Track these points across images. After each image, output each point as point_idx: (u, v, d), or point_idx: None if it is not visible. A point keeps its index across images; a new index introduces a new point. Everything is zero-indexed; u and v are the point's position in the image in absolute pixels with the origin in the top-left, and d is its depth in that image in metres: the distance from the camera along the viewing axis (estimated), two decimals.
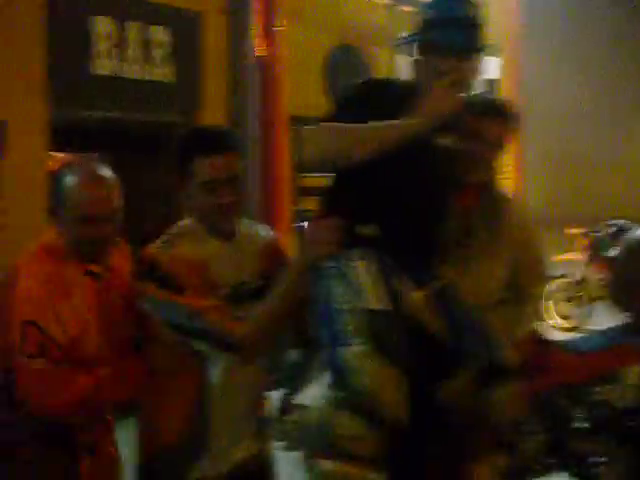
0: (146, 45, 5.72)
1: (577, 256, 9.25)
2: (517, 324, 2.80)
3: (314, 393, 2.51)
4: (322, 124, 2.22)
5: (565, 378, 3.28)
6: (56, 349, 2.10)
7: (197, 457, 2.17)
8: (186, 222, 2.30)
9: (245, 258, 2.26)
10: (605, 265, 8.71)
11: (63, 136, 5.28)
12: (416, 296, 2.20)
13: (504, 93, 10.21)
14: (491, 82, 10.01)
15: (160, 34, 5.80)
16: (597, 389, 3.34)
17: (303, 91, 7.05)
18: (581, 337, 4.40)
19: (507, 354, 2.33)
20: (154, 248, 2.20)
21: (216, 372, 2.17)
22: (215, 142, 2.21)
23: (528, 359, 2.69)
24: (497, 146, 2.67)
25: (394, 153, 2.11)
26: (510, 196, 3.05)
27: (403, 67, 8.50)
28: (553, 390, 3.25)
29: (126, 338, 2.31)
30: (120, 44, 5.53)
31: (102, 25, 5.44)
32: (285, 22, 6.75)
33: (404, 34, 2.53)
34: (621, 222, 9.12)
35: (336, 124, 2.18)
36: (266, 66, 6.60)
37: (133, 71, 5.67)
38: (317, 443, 2.05)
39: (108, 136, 5.75)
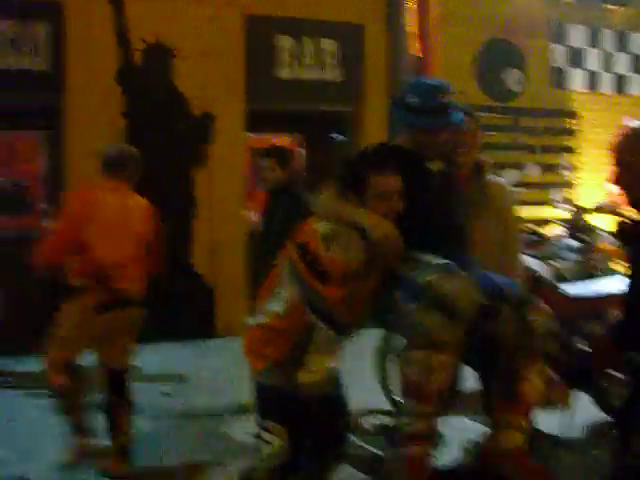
0: (318, 54, 7.43)
1: None
2: (510, 270, 3.53)
3: None
4: None
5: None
6: None
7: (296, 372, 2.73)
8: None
9: None
10: None
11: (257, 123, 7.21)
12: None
13: None
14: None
15: (329, 45, 7.48)
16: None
17: (455, 82, 8.31)
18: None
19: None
20: (316, 235, 2.67)
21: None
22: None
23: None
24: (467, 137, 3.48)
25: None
26: (494, 179, 3.79)
27: (558, 56, 9.44)
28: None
29: None
30: (298, 55, 7.32)
31: (284, 41, 7.27)
32: (437, 23, 8.00)
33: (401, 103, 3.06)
34: None
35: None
36: (421, 65, 7.99)
37: (308, 73, 7.42)
38: (412, 338, 2.64)
39: (291, 122, 7.63)
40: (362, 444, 4.11)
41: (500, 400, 2.73)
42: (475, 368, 3.05)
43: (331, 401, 2.93)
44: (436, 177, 3.00)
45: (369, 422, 4.75)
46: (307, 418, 2.84)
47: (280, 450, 2.76)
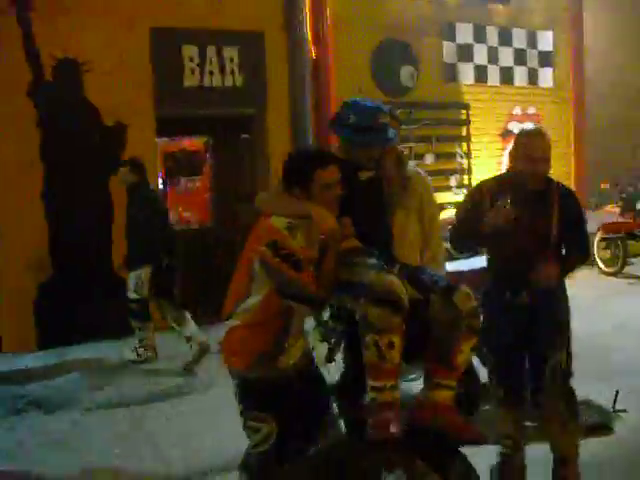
0: (222, 61, 7.89)
1: (613, 208, 10.41)
2: (432, 261, 3.83)
3: None
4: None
5: None
6: None
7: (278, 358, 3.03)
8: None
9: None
10: (635, 217, 9.85)
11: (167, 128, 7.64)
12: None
13: (559, 65, 11.30)
14: (547, 54, 11.08)
15: (232, 52, 7.95)
16: None
17: (353, 81, 8.84)
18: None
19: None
20: (281, 230, 2.92)
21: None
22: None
23: None
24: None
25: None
26: (415, 171, 4.01)
27: (448, 52, 10.15)
28: None
29: None
30: (202, 63, 7.76)
31: (189, 51, 7.71)
32: (332, 27, 8.55)
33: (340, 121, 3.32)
34: None
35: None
36: (319, 67, 8.55)
37: (213, 80, 7.88)
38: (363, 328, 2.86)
39: (198, 126, 8.11)
40: None
41: (434, 364, 3.02)
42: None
43: (310, 377, 3.20)
44: (366, 184, 3.31)
45: None
46: (291, 400, 3.06)
47: (269, 435, 2.99)
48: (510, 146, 4.02)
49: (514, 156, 3.65)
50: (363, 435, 2.88)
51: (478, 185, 3.86)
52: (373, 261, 3.01)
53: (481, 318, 3.12)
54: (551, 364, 3.58)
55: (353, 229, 3.09)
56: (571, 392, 3.67)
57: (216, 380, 5.88)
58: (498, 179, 3.81)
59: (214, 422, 5.00)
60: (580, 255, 3.73)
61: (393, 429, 2.81)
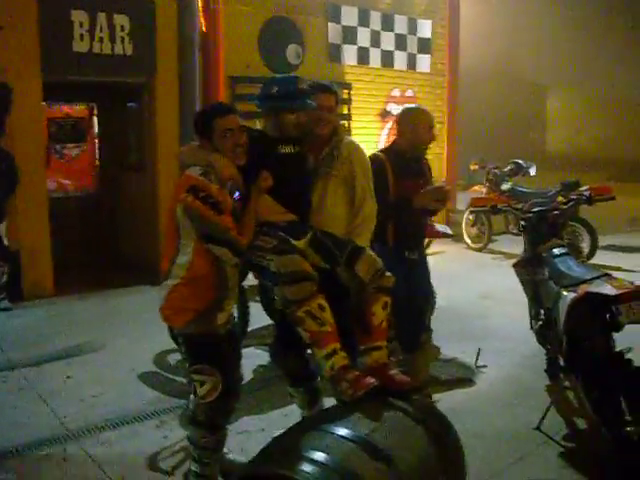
0: (112, 28, 7.87)
1: (481, 189, 11.15)
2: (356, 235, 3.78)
3: None
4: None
5: None
6: None
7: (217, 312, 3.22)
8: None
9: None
10: (500, 196, 10.58)
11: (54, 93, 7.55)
12: (298, 244, 3.27)
13: (436, 52, 11.87)
14: (425, 41, 11.62)
15: (122, 20, 7.92)
16: None
17: (241, 57, 9.12)
18: None
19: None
20: (196, 176, 3.08)
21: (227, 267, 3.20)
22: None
23: None
24: (329, 110, 3.80)
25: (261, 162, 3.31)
26: (349, 141, 3.98)
27: (333, 33, 10.47)
28: None
29: None
30: (92, 29, 7.71)
31: (78, 16, 7.63)
32: (223, 2, 8.65)
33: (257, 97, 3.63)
34: (519, 161, 11.02)
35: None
36: (208, 39, 8.67)
37: (102, 47, 7.82)
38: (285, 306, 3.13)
39: (86, 92, 8.05)
40: None
41: (360, 333, 3.25)
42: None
43: (233, 333, 3.45)
44: (288, 157, 3.53)
45: None
46: (230, 352, 3.31)
47: (214, 387, 3.17)
48: (389, 125, 4.73)
49: (401, 130, 4.28)
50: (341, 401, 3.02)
51: (376, 157, 4.25)
52: (274, 242, 3.20)
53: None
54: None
55: (270, 181, 3.30)
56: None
57: (110, 340, 6.11)
58: (386, 151, 4.39)
59: (107, 379, 5.23)
60: None
61: (370, 380, 2.96)
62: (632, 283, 3.58)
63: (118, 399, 4.87)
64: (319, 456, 2.44)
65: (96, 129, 9.73)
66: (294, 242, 3.24)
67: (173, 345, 5.43)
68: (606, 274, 3.84)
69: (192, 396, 3.38)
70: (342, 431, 2.59)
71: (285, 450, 2.57)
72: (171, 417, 4.56)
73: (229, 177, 3.16)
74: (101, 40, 7.78)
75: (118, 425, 4.46)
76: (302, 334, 3.09)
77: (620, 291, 3.45)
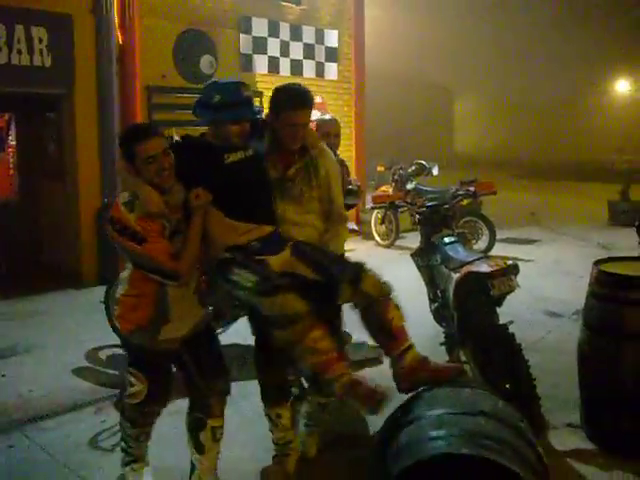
0: (29, 41, 8.08)
1: (388, 188, 11.77)
2: (335, 240, 3.73)
3: None
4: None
5: None
6: None
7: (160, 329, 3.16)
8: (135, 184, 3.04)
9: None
10: (405, 195, 11.21)
11: None
12: (274, 260, 3.21)
13: (342, 60, 12.46)
14: (332, 50, 12.20)
15: (40, 32, 8.13)
16: None
17: (157, 68, 9.44)
18: None
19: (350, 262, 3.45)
20: (119, 206, 2.99)
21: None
22: None
23: None
24: (304, 126, 3.54)
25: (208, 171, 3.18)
26: (322, 150, 3.74)
27: (245, 44, 10.86)
28: None
29: None
30: (9, 41, 7.90)
31: None
32: (138, 14, 8.94)
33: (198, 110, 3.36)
34: (422, 162, 11.71)
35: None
36: (124, 52, 8.98)
37: (20, 59, 8.01)
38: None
39: (4, 103, 8.30)
40: None
41: (382, 343, 3.37)
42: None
43: (200, 339, 3.38)
44: (238, 165, 3.33)
45: None
46: (161, 367, 3.37)
47: (139, 392, 3.32)
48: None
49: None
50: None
51: None
52: (253, 280, 3.10)
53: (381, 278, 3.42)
54: None
55: (209, 197, 3.18)
56: None
57: (41, 340, 6.38)
58: None
59: (42, 376, 5.53)
60: None
61: (381, 389, 3.05)
62: (505, 262, 4.23)
63: (55, 392, 5.17)
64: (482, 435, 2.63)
65: (13, 138, 9.89)
66: (274, 261, 3.23)
67: (103, 342, 5.96)
68: (486, 256, 4.48)
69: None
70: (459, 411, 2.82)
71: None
72: (107, 404, 4.90)
73: (153, 212, 3.03)
74: (19, 52, 7.98)
75: (58, 414, 4.78)
76: (304, 370, 3.15)
77: (493, 268, 4.10)
